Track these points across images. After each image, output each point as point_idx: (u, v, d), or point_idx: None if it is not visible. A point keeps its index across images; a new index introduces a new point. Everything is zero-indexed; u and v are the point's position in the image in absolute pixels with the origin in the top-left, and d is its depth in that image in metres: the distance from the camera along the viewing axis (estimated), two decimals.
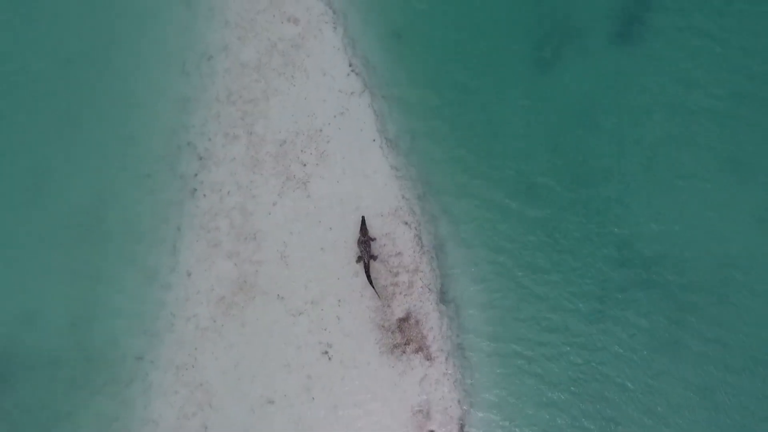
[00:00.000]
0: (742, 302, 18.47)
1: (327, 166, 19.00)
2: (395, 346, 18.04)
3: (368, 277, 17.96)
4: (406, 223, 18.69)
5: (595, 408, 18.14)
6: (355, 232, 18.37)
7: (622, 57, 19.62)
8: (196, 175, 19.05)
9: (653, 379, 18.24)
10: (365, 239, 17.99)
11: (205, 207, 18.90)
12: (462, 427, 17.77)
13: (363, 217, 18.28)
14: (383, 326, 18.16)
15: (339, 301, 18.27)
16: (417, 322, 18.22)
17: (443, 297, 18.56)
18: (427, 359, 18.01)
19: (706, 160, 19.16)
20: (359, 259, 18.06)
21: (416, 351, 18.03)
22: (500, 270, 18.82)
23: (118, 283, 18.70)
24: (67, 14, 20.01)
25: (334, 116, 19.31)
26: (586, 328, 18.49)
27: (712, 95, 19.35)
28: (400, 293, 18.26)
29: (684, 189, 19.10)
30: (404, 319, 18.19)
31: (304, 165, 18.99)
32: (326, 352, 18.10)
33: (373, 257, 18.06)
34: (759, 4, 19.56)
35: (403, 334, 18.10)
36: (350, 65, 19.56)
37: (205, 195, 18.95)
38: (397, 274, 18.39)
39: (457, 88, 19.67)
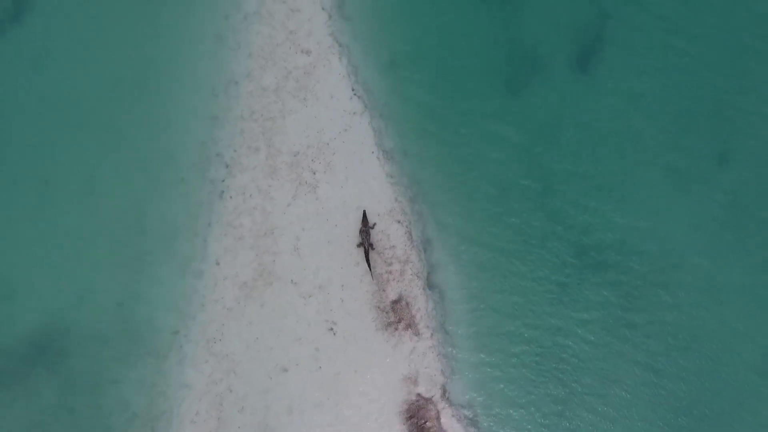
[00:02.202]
0: (679, 292, 21.31)
1: (333, 173, 21.66)
2: (389, 324, 20.84)
3: (367, 259, 20.82)
4: (399, 222, 21.48)
5: (554, 379, 20.84)
6: (356, 227, 21.07)
7: (580, 84, 22.52)
8: (223, 180, 21.63)
9: (605, 355, 21.02)
10: (365, 229, 20.83)
11: (231, 207, 21.43)
12: (444, 391, 20.56)
13: (364, 211, 21.11)
14: (379, 307, 20.95)
15: (342, 286, 21.04)
16: (407, 303, 21.03)
17: (429, 283, 21.29)
18: (416, 335, 20.81)
19: (650, 173, 22.02)
20: (360, 244, 20.91)
21: (406, 328, 20.83)
22: (478, 261, 21.51)
23: (158, 270, 21.13)
24: (114, 44, 22.48)
25: (339, 132, 21.95)
26: (549, 311, 21.26)
27: (655, 117, 22.29)
28: (393, 280, 21.13)
29: (631, 197, 21.86)
30: (396, 301, 20.99)
31: (314, 173, 21.71)
32: (331, 329, 20.83)
33: (371, 246, 20.89)
34: (693, 41, 22.58)
35: (396, 314, 20.89)
36: (353, 90, 22.17)
37: (231, 197, 21.52)
38: (390, 264, 21.24)
39: (442, 109, 22.23)
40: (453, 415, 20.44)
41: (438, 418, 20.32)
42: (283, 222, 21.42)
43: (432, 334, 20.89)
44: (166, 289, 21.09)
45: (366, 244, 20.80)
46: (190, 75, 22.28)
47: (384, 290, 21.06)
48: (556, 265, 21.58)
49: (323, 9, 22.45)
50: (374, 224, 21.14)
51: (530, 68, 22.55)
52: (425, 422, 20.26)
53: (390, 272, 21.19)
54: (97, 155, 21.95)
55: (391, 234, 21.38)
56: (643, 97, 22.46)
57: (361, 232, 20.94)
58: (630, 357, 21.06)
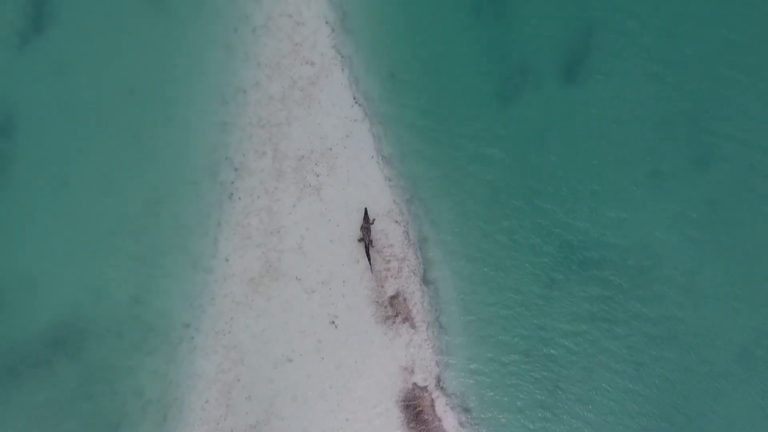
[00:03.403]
0: (657, 288, 22.45)
1: (335, 176, 22.81)
2: (387, 318, 22.09)
3: (367, 253, 22.06)
4: (397, 222, 22.65)
5: (542, 370, 21.98)
6: (357, 227, 22.25)
7: (566, 94, 23.58)
8: (232, 182, 22.75)
9: (588, 346, 22.14)
10: (366, 225, 22.04)
11: (240, 207, 22.55)
12: (438, 381, 21.82)
13: (365, 208, 22.31)
14: (378, 302, 22.17)
15: (344, 282, 22.27)
16: (404, 299, 22.25)
17: (425, 279, 22.49)
18: (412, 328, 22.04)
19: (632, 176, 23.10)
20: (361, 239, 22.13)
21: (403, 321, 22.06)
22: (470, 259, 22.67)
23: (170, 267, 22.27)
24: (131, 55, 23.58)
25: (341, 138, 23.05)
26: (538, 306, 22.40)
27: (637, 123, 23.33)
28: (392, 276, 22.36)
29: (614, 199, 22.93)
30: (394, 297, 22.22)
31: (318, 176, 22.88)
32: (333, 322, 22.03)
33: (371, 241, 22.11)
34: (674, 53, 23.67)
35: (394, 308, 22.12)
36: (354, 98, 23.22)
37: (239, 198, 22.65)
38: (389, 261, 22.49)
39: (437, 117, 23.28)
40: (447, 403, 21.72)
41: (433, 405, 21.60)
42: (289, 222, 22.59)
43: (427, 328, 22.10)
44: (179, 284, 22.23)
45: (366, 240, 22.06)
46: (201, 84, 23.33)
47: (383, 286, 22.29)
48: (544, 260, 22.68)
49: (327, 23, 23.57)
50: (373, 220, 22.32)
51: (520, 79, 23.65)
52: (421, 409, 21.54)
53: (388, 269, 22.43)
54: (113, 158, 23.07)
55: (390, 233, 22.59)
56: (626, 106, 23.51)
57: (362, 228, 22.18)
58: (611, 347, 22.20)
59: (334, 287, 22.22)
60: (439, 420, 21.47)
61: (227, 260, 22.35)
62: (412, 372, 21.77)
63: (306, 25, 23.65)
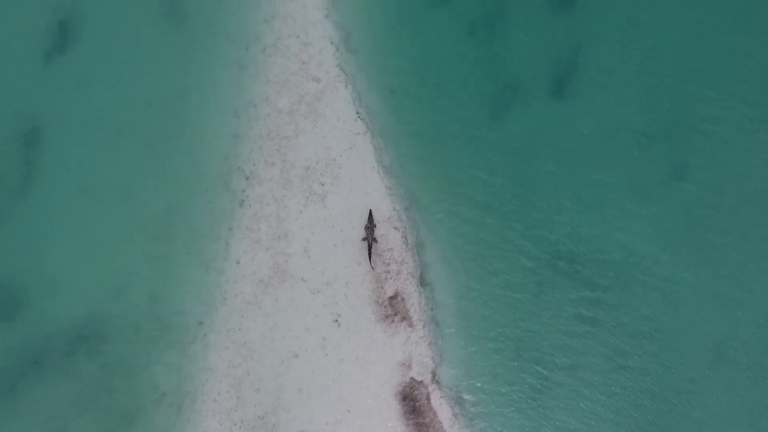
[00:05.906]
0: (637, 290, 23.71)
1: (339, 185, 24.06)
2: (386, 316, 23.29)
3: (369, 252, 23.29)
4: (396, 228, 23.94)
5: (530, 365, 23.14)
6: (359, 232, 23.52)
7: (554, 110, 25.07)
8: (243, 190, 24.00)
9: (575, 342, 23.34)
10: (370, 226, 23.24)
11: (250, 213, 23.75)
12: (434, 375, 22.99)
13: (370, 210, 23.55)
14: (378, 302, 23.40)
15: (346, 283, 23.50)
16: (403, 299, 23.44)
17: (422, 281, 23.74)
18: (410, 326, 23.22)
19: (614, 187, 24.49)
20: (364, 239, 23.37)
21: (402, 320, 23.26)
22: (464, 263, 23.94)
23: (185, 268, 23.49)
24: (149, 71, 25.04)
25: (345, 149, 24.35)
26: (528, 307, 23.62)
27: (619, 138, 24.81)
28: (391, 278, 23.66)
29: (598, 208, 24.29)
30: (393, 297, 23.45)
31: (323, 184, 24.14)
32: (336, 320, 23.20)
33: (375, 240, 23.42)
34: (653, 72, 25.25)
35: (393, 308, 23.35)
36: (357, 113, 24.54)
37: (250, 205, 23.86)
38: (388, 264, 23.78)
39: (433, 132, 24.75)
40: (441, 396, 22.88)
41: (428, 398, 22.72)
42: (295, 227, 23.77)
43: (424, 326, 23.22)
44: (193, 285, 23.38)
45: (369, 239, 23.34)
46: (215, 98, 24.66)
47: (382, 287, 23.53)
48: (533, 264, 23.89)
49: (332, 43, 25.05)
50: (376, 224, 23.51)
51: (511, 96, 25.08)
52: (417, 402, 22.73)
53: (388, 271, 23.72)
54: (132, 167, 24.42)
55: (389, 238, 23.86)
56: (609, 121, 24.93)
57: (366, 228, 23.44)
58: (596, 344, 23.43)
59: (337, 288, 23.38)
60: (434, 411, 22.64)
61: (238, 262, 23.56)
62: (410, 367, 22.91)
63: (312, 45, 25.09)
